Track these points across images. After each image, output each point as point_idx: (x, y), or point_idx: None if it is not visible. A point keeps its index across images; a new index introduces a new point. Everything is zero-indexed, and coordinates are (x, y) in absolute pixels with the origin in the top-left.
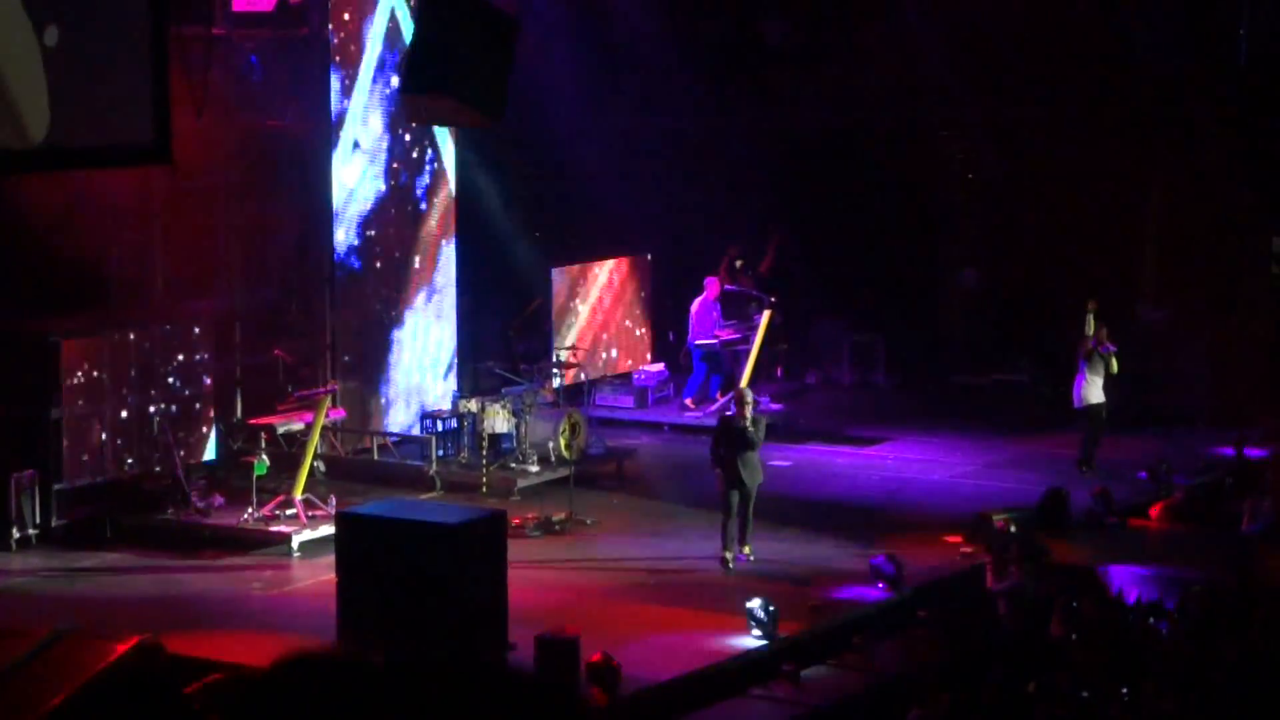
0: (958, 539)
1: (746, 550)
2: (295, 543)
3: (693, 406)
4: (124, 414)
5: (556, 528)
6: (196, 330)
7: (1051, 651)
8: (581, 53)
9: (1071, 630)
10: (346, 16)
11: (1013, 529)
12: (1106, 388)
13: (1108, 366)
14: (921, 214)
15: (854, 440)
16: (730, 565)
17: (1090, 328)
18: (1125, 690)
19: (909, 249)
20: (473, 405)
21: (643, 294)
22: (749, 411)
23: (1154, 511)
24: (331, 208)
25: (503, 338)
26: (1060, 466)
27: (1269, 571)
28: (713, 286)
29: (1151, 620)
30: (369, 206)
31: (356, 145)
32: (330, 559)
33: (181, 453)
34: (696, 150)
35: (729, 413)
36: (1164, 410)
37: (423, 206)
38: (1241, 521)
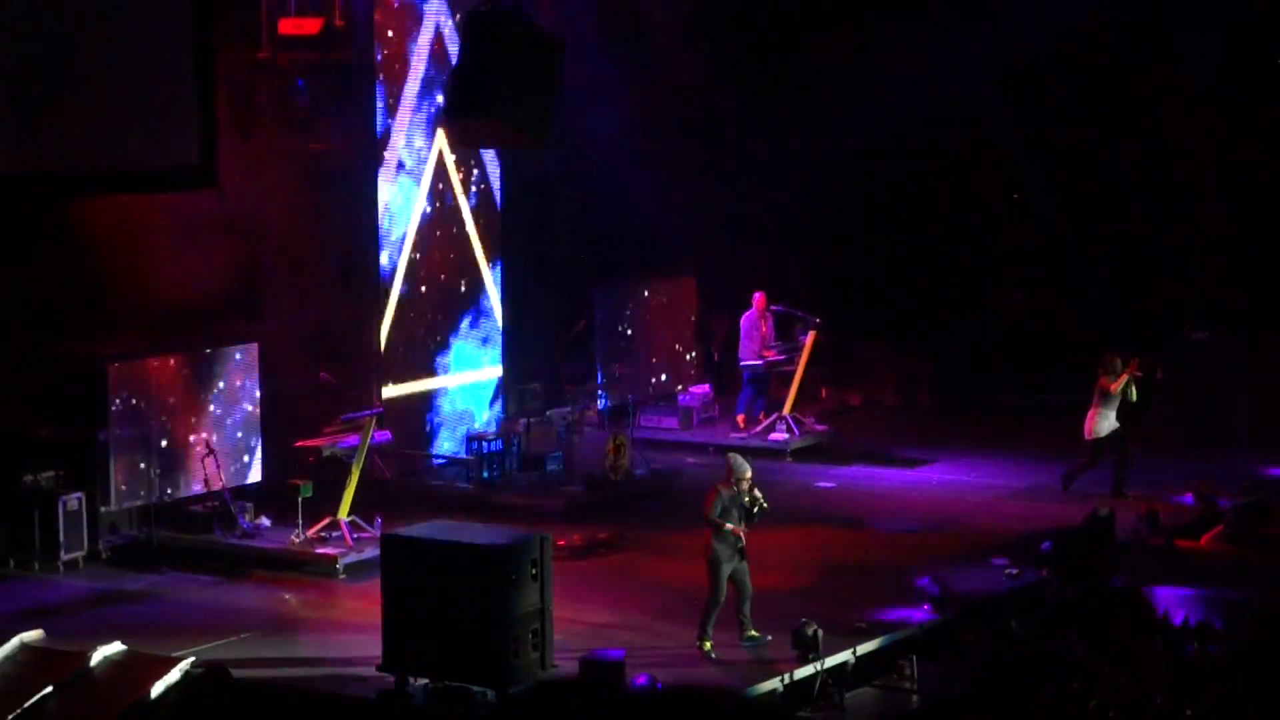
0: (1003, 560)
1: (755, 633)
2: (341, 564)
3: (743, 426)
4: (171, 437)
5: (601, 549)
6: (238, 356)
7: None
8: (626, 74)
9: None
10: (391, 34)
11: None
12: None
13: (1126, 395)
14: (967, 234)
15: (899, 461)
16: (714, 655)
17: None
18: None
19: (955, 269)
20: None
21: (690, 315)
22: (745, 486)
23: (1206, 539)
24: (377, 230)
25: (548, 359)
26: (1106, 487)
27: None
28: (760, 300)
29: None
30: (414, 228)
31: (401, 167)
32: (376, 581)
33: (225, 477)
34: (742, 171)
35: (726, 487)
36: (1209, 431)
37: (468, 228)
38: None
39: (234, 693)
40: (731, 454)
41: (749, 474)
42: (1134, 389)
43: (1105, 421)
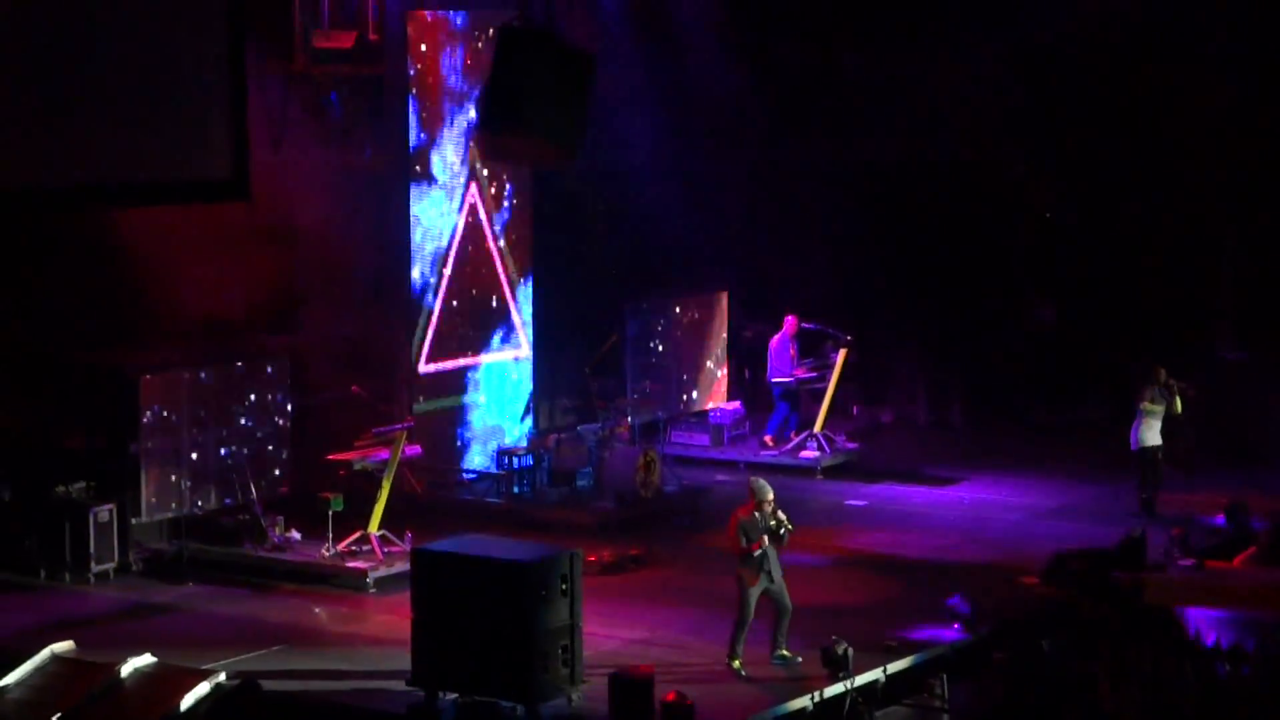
0: (1034, 580)
1: (787, 653)
2: (371, 578)
3: (771, 444)
4: (201, 449)
5: (632, 565)
6: (270, 369)
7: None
8: (657, 89)
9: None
10: (424, 48)
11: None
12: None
13: (1170, 407)
14: (998, 251)
15: (930, 479)
16: (743, 673)
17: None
18: None
19: (986, 286)
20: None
21: (720, 332)
22: (769, 509)
23: (1238, 561)
24: (409, 244)
25: (579, 375)
26: (1136, 507)
27: None
28: (791, 324)
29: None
30: (446, 243)
31: (434, 180)
32: (406, 595)
33: (256, 490)
34: (772, 186)
35: (747, 513)
36: (1243, 451)
37: (500, 243)
38: None
39: (264, 706)
40: (753, 478)
41: (771, 496)
42: (1179, 401)
43: (1150, 432)
